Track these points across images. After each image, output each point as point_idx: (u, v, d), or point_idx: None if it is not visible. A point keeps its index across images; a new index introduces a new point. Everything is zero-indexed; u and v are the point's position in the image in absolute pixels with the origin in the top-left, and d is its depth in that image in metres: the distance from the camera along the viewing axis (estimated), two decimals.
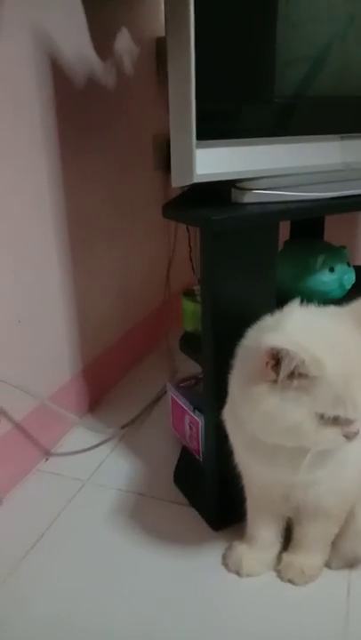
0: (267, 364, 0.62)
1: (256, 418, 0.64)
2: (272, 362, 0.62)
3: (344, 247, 1.02)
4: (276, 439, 0.65)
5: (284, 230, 1.13)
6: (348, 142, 0.83)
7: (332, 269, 0.97)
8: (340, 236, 1.20)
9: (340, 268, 0.98)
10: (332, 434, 0.62)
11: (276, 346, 0.60)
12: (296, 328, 0.63)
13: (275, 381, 0.62)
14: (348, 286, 0.99)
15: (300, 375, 0.60)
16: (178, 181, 0.73)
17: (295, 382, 0.61)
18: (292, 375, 0.61)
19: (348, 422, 0.62)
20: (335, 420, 0.62)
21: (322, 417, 0.61)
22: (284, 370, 0.60)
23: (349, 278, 0.98)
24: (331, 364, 0.60)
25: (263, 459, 0.71)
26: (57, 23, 1.04)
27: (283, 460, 0.68)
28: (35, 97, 1.01)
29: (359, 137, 0.84)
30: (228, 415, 0.76)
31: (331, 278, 0.97)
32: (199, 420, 1.01)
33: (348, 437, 0.63)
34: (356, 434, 0.63)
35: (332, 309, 0.69)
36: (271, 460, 0.70)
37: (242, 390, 0.66)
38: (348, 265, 1.00)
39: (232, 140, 0.73)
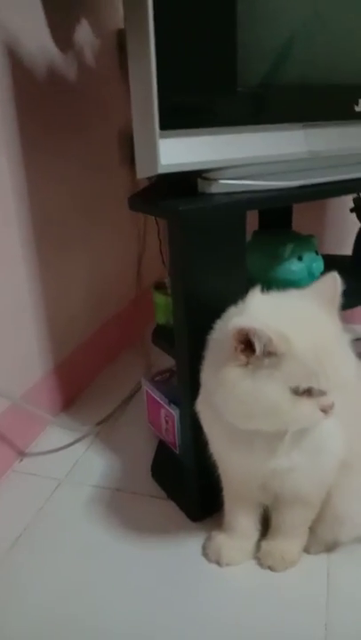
0: (236, 348, 0.62)
1: (232, 404, 0.64)
2: (241, 346, 0.62)
3: (312, 236, 1.02)
4: (254, 423, 0.65)
5: (253, 220, 1.13)
6: (313, 130, 0.83)
7: (300, 258, 0.98)
8: (309, 225, 1.21)
9: (308, 256, 0.99)
10: (308, 408, 0.63)
11: (243, 327, 0.61)
12: (260, 310, 0.65)
13: (246, 364, 0.62)
14: (318, 274, 0.99)
15: (270, 354, 0.61)
16: (142, 172, 0.72)
17: (266, 361, 0.62)
18: (261, 355, 0.61)
19: (322, 394, 0.63)
20: (309, 394, 0.63)
21: (296, 391, 0.62)
22: (257, 348, 0.61)
23: (318, 266, 0.99)
24: (297, 338, 0.61)
25: (240, 447, 0.71)
26: (15, 14, 1.02)
27: (260, 447, 0.69)
28: None
29: (324, 125, 0.84)
30: (201, 406, 0.76)
31: (299, 267, 0.98)
32: (175, 412, 1.01)
33: (325, 411, 0.64)
34: (331, 406, 0.64)
35: (293, 292, 0.70)
36: (248, 448, 0.70)
37: (215, 379, 0.66)
38: (317, 253, 1.01)
39: (196, 130, 0.73)
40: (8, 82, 1.02)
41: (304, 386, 0.62)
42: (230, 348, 0.63)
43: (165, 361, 1.05)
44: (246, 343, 0.62)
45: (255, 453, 0.70)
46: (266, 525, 0.87)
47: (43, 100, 1.12)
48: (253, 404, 0.63)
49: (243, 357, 0.62)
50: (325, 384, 0.62)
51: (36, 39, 1.09)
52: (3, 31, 0.99)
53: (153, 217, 1.60)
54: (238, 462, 0.75)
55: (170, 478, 1.02)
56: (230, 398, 0.64)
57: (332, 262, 1.03)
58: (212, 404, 0.70)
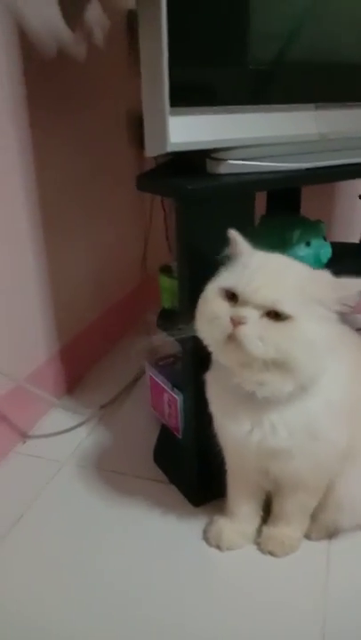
0: None
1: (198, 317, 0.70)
2: None
3: (320, 221, 1.01)
4: (203, 331, 0.69)
5: (261, 205, 1.12)
6: (324, 112, 0.82)
7: (308, 244, 0.97)
8: (317, 211, 1.19)
9: (316, 242, 0.97)
10: (220, 308, 0.66)
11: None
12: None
13: None
14: (325, 260, 0.98)
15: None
16: (152, 150, 0.71)
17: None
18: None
19: (241, 304, 0.64)
20: (234, 303, 0.65)
21: (224, 294, 0.66)
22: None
23: (326, 252, 0.98)
24: (252, 251, 0.69)
25: (229, 413, 0.73)
26: None
27: (244, 414, 0.71)
28: (2, 67, 0.98)
29: (334, 106, 0.83)
30: (209, 375, 0.77)
31: (307, 253, 0.97)
32: (178, 397, 1.00)
33: (233, 321, 0.64)
34: (239, 320, 0.63)
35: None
36: (235, 414, 0.72)
37: None
38: (325, 239, 1.00)
39: (207, 108, 0.72)
40: (17, 60, 1.00)
41: (226, 284, 0.66)
42: None
43: (169, 346, 1.04)
44: None
45: (241, 421, 0.72)
46: (268, 511, 0.87)
47: (51, 79, 1.11)
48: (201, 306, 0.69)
49: None
50: (243, 288, 0.64)
51: (47, 17, 1.07)
52: (13, 8, 0.97)
53: (160, 201, 1.59)
54: (229, 432, 0.75)
55: (172, 463, 1.02)
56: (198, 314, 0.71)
57: (339, 249, 1.02)
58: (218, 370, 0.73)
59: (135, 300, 1.58)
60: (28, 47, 1.03)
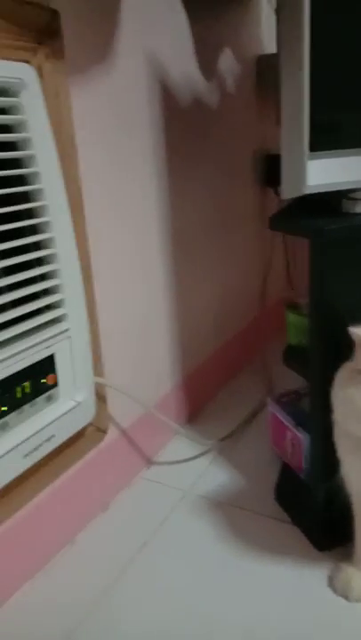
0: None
1: (336, 402, 0.69)
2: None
3: None
4: (352, 427, 0.66)
5: None
6: None
7: None
8: None
9: None
10: None
11: (355, 332, 0.64)
12: None
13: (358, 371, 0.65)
14: None
15: None
16: (288, 193, 0.73)
17: None
18: None
19: None
20: None
21: None
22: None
23: None
24: None
25: (352, 454, 0.71)
26: (166, 47, 1.09)
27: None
28: (145, 116, 1.06)
29: None
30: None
31: None
32: (302, 436, 0.99)
33: None
34: None
35: None
36: (355, 456, 0.70)
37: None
38: None
39: (343, 151, 0.72)
40: (158, 110, 1.09)
41: None
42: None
43: (286, 381, 1.03)
44: None
45: (357, 465, 0.69)
46: None
47: (187, 123, 1.19)
48: (351, 407, 0.66)
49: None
50: None
51: (183, 68, 1.16)
52: (156, 63, 1.06)
53: (281, 237, 1.60)
54: (352, 473, 0.73)
55: (295, 503, 1.00)
56: (336, 397, 0.69)
57: None
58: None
59: (253, 332, 1.59)
60: (167, 97, 1.11)
